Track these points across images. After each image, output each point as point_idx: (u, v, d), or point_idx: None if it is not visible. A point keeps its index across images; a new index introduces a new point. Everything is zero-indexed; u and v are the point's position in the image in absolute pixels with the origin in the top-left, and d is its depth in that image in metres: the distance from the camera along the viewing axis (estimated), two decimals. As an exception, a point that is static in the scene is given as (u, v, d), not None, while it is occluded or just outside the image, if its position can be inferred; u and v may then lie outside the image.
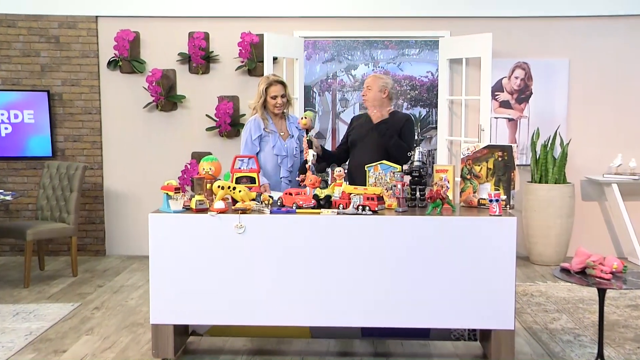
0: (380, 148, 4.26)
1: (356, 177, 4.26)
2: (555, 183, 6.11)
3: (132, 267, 6.10)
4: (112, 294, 5.22)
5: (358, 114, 5.12)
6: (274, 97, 4.41)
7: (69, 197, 5.74)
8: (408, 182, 3.79)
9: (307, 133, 4.18)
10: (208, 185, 3.77)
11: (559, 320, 4.53)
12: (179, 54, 6.43)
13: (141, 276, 5.75)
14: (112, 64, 6.43)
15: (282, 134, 4.48)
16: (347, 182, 3.97)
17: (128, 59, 6.36)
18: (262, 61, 6.09)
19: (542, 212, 6.08)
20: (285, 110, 4.55)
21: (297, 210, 3.63)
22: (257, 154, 4.41)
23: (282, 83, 4.47)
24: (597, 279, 3.47)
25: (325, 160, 4.45)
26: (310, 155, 4.02)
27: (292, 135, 4.52)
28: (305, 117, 4.13)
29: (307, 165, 3.98)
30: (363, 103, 4.66)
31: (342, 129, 11.68)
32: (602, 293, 3.54)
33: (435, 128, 7.38)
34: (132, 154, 6.54)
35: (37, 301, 4.99)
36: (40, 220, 5.85)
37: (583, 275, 3.55)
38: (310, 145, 4.12)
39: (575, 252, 3.69)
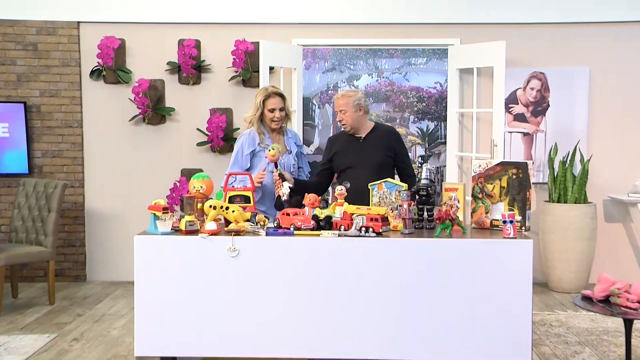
0: (375, 164, 4.30)
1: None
2: (575, 203, 6.12)
3: (115, 294, 6.09)
4: (92, 323, 5.21)
5: (334, 134, 4.96)
6: (272, 110, 4.45)
7: (47, 217, 5.74)
8: (415, 202, 3.80)
9: (276, 166, 4.22)
10: (199, 205, 3.78)
11: (581, 353, 4.52)
12: (167, 63, 6.47)
13: (125, 304, 5.73)
14: (95, 73, 6.47)
15: (279, 149, 4.50)
16: None
17: (112, 68, 6.40)
18: (258, 71, 6.14)
19: (561, 234, 6.08)
20: (283, 125, 4.58)
21: (295, 232, 3.64)
22: (247, 170, 4.42)
23: (281, 95, 4.50)
24: (622, 309, 3.46)
25: (300, 192, 4.37)
26: (285, 189, 4.03)
27: (290, 151, 4.56)
28: (274, 149, 4.17)
29: (282, 200, 3.98)
30: (342, 128, 4.54)
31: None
32: (628, 324, 3.54)
33: (444, 143, 7.39)
34: (116, 171, 6.55)
35: (9, 332, 4.97)
36: (14, 243, 5.85)
37: (607, 304, 3.55)
38: (282, 178, 4.15)
39: (597, 278, 3.69)
